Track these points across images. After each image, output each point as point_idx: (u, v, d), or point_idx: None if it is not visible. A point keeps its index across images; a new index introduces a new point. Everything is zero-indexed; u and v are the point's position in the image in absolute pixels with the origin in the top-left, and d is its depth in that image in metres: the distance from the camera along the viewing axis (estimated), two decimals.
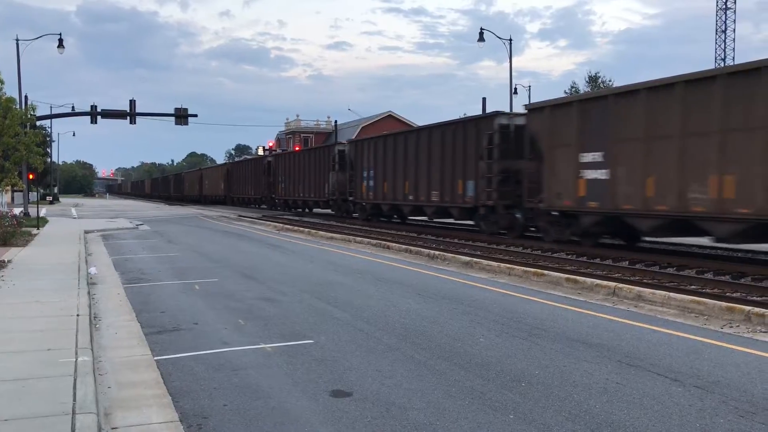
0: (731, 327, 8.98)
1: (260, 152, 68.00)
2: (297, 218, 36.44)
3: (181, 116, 38.36)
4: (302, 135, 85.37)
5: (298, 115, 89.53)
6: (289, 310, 9.98)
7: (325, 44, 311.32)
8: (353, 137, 54.35)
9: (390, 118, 75.47)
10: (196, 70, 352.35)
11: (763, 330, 8.71)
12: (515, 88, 44.91)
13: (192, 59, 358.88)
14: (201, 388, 6.19)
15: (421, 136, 25.70)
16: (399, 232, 25.09)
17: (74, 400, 5.27)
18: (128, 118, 37.51)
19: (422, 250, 18.52)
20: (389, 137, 29.00)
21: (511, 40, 39.50)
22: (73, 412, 4.99)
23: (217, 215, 42.21)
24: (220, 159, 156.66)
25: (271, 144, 75.41)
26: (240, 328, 8.74)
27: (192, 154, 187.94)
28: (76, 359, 6.46)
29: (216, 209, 52.49)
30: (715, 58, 61.47)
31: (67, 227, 28.54)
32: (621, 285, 11.70)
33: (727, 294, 11.25)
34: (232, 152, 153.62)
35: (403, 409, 5.53)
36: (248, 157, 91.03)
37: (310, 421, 5.32)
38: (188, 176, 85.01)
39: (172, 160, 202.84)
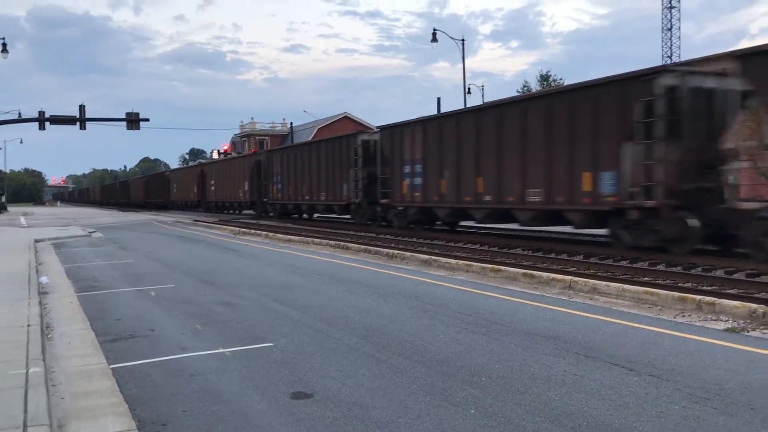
0: (684, 316, 9.21)
1: (215, 155, 66.76)
2: (254, 221, 35.95)
3: (133, 121, 37.61)
4: (257, 137, 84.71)
5: (252, 118, 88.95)
6: (247, 314, 9.87)
7: (282, 47, 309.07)
8: (309, 138, 53.95)
9: (346, 119, 75.54)
10: (150, 74, 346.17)
11: (713, 318, 8.96)
12: (469, 88, 45.38)
13: (146, 63, 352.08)
14: (159, 394, 6.08)
15: (505, 114, 18.79)
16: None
17: (25, 412, 5.11)
18: (78, 123, 36.62)
19: (381, 249, 18.53)
20: (449, 118, 21.83)
21: (463, 40, 39.87)
22: (25, 425, 4.84)
23: (172, 220, 41.53)
24: (174, 163, 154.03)
25: (226, 147, 74.59)
26: (198, 333, 8.61)
27: (145, 160, 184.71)
28: (27, 370, 6.27)
29: (175, 215, 51.48)
30: (662, 56, 63.04)
31: (17, 236, 27.73)
32: (576, 278, 11.89)
33: (679, 284, 11.53)
34: (186, 156, 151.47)
35: (364, 408, 5.52)
36: (203, 160, 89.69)
37: (271, 423, 5.27)
38: (152, 180, 77.60)
39: (125, 166, 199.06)
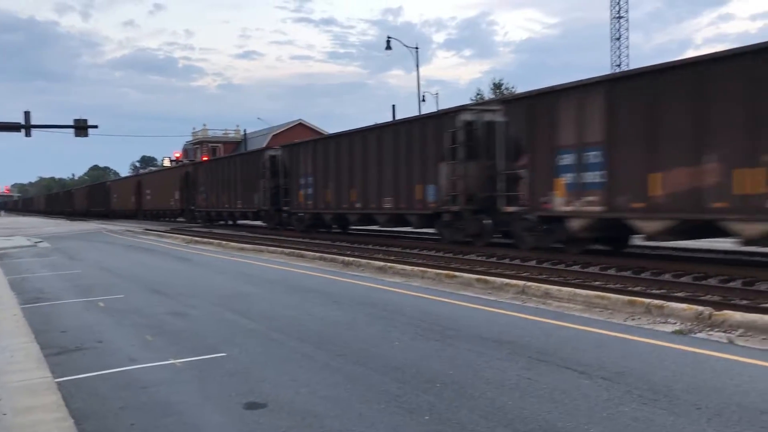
0: (633, 319, 9.39)
1: (166, 163, 66.63)
2: (206, 230, 35.57)
3: (81, 128, 36.66)
4: (210, 145, 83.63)
5: (205, 125, 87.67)
6: (199, 324, 9.69)
7: (235, 54, 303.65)
8: (264, 145, 53.82)
9: (300, 126, 75.19)
10: (99, 80, 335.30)
11: (662, 320, 9.15)
12: (424, 96, 45.77)
13: (95, 70, 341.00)
14: (106, 408, 5.91)
15: (368, 138, 23.61)
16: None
17: None
18: (23, 130, 35.56)
19: (337, 257, 18.46)
20: (330, 140, 26.81)
21: (417, 48, 40.23)
22: None
23: (122, 229, 40.67)
24: (125, 171, 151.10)
25: (177, 155, 73.61)
26: (148, 345, 8.42)
27: (94, 168, 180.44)
28: None
29: (122, 223, 50.60)
30: (611, 65, 64.55)
31: None
32: (529, 283, 12.03)
33: (629, 288, 11.77)
34: (137, 164, 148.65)
35: (318, 417, 5.46)
36: (153, 168, 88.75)
37: None
38: (94, 190, 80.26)
39: (73, 174, 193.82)
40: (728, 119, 12.01)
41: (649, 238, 14.15)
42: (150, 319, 10.19)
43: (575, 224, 15.23)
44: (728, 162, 12.02)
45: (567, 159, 15.20)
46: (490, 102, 18.88)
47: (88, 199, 78.66)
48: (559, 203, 15.44)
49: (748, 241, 12.29)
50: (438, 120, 20.08)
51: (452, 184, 18.76)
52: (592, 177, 14.58)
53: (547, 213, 15.83)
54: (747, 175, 11.74)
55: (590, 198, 14.65)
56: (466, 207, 18.57)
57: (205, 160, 48.96)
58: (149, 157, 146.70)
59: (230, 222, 39.88)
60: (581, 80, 15.23)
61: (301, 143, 29.83)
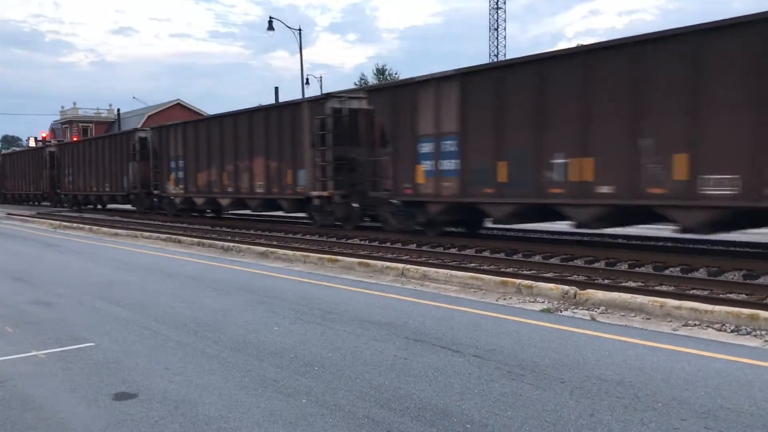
0: (505, 299, 9.81)
1: (32, 143, 63.24)
2: (77, 215, 33.82)
3: None
4: (81, 125, 79.20)
5: (75, 103, 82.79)
6: (66, 313, 9.18)
7: (109, 29, 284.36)
8: (139, 126, 51.92)
9: (179, 106, 72.70)
10: None
11: (531, 300, 9.62)
12: (307, 79, 45.42)
13: None
14: None
15: (98, 144, 36.04)
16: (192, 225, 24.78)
17: None
18: None
19: (216, 242, 18.03)
20: (79, 144, 40.54)
21: (300, 30, 39.80)
22: None
23: None
24: None
25: (44, 135, 69.41)
26: (7, 336, 7.88)
27: None
28: None
29: None
30: (489, 54, 66.67)
31: None
32: (408, 266, 12.27)
33: (502, 269, 12.28)
34: None
35: (192, 405, 5.33)
36: (17, 148, 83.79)
37: (89, 428, 4.93)
38: None
39: None
40: (231, 146, 23.91)
41: (226, 209, 26.16)
42: (10, 309, 9.54)
43: (177, 200, 27.92)
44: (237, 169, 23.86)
45: (173, 164, 27.45)
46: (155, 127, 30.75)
47: None
48: (170, 189, 27.88)
49: (254, 208, 23.86)
50: (127, 135, 32.65)
51: (134, 176, 30.68)
52: (181, 174, 26.97)
53: (167, 195, 28.37)
54: (247, 177, 23.22)
55: (180, 185, 27.22)
56: (142, 190, 30.33)
57: (8, 153, 60.35)
58: (13, 136, 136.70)
59: (99, 206, 45.50)
60: (181, 121, 28.92)
61: (66, 144, 45.72)
